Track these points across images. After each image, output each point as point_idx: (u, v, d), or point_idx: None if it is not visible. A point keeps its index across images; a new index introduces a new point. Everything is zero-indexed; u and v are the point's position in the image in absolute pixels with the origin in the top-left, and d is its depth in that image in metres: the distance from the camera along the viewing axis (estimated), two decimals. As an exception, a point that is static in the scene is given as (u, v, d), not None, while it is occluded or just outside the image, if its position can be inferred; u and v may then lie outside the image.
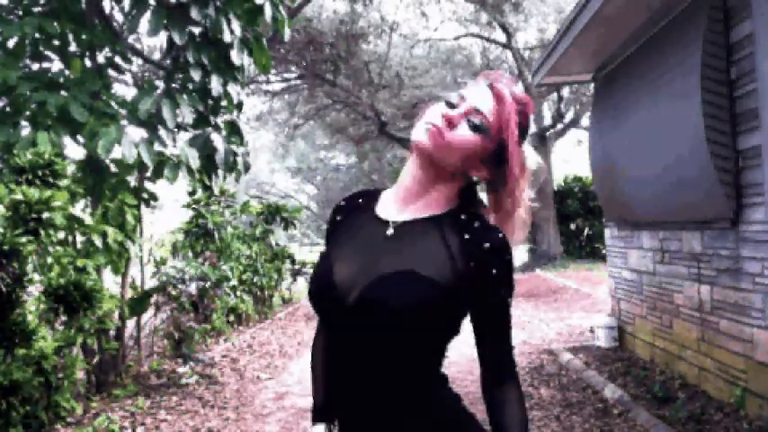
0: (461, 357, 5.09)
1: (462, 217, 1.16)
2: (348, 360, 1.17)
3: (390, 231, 1.17)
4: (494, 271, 1.10)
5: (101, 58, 5.25)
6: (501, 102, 1.16)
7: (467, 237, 1.12)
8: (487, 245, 1.11)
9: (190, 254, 7.96)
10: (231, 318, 8.42)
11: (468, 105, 1.16)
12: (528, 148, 1.26)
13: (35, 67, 5.09)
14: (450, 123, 1.14)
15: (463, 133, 1.14)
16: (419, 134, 1.15)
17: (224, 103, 5.50)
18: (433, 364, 1.18)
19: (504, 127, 1.16)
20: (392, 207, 1.21)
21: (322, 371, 1.41)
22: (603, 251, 11.71)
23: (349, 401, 1.19)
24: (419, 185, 1.19)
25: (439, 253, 1.12)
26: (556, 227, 16.58)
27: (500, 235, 1.13)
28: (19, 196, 3.80)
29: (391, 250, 1.14)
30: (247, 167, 5.63)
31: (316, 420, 1.40)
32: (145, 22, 4.86)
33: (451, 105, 1.17)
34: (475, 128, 1.15)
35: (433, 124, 1.14)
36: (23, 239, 3.67)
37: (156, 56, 11.05)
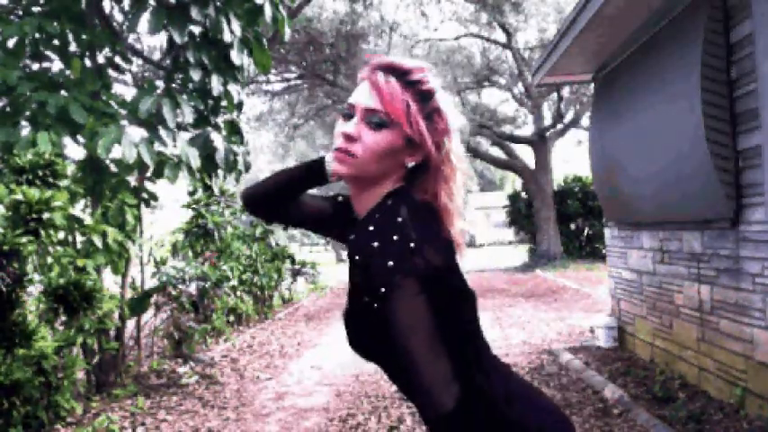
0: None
1: (388, 203, 1.12)
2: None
3: (352, 236, 1.14)
4: (356, 258, 1.04)
5: (101, 58, 5.25)
6: (378, 89, 1.12)
7: (395, 237, 1.04)
8: (354, 237, 1.06)
9: (190, 254, 7.96)
10: (231, 318, 8.43)
11: (360, 108, 1.13)
12: (446, 107, 1.18)
13: (35, 67, 5.10)
14: (351, 138, 1.12)
15: (369, 140, 1.11)
16: (333, 165, 1.14)
17: (224, 103, 5.50)
18: (466, 345, 1.13)
19: (393, 111, 1.11)
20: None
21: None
22: (603, 251, 11.72)
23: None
24: (358, 200, 1.19)
25: (368, 242, 1.07)
26: (556, 227, 16.58)
27: (376, 215, 1.07)
28: (19, 196, 3.81)
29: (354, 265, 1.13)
30: (247, 167, 5.63)
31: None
32: (145, 22, 4.87)
33: (348, 116, 1.15)
34: (376, 126, 1.12)
35: (338, 149, 1.13)
36: (24, 239, 3.67)
37: (156, 56, 11.05)
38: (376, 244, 1.02)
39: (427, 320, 0.99)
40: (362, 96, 1.14)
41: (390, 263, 1.00)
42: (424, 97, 1.14)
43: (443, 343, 0.99)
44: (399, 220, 1.05)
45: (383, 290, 0.99)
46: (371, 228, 1.06)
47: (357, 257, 1.05)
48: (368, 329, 1.12)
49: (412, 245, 1.02)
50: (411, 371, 0.97)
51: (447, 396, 0.96)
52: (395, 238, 1.02)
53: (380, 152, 1.12)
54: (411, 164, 1.16)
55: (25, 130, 4.61)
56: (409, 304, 0.99)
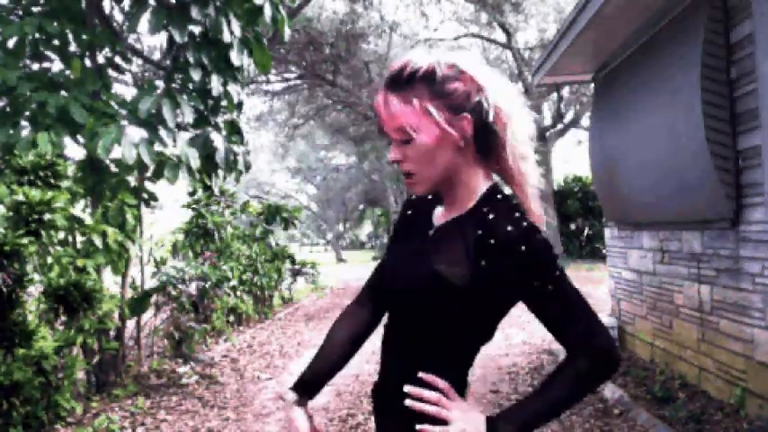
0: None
1: (483, 210, 1.13)
2: (389, 340, 1.25)
3: (431, 232, 1.21)
4: (509, 263, 1.07)
5: (101, 58, 5.25)
6: (380, 111, 1.14)
7: (479, 233, 1.10)
8: (492, 241, 1.08)
9: (190, 254, 7.96)
10: (231, 318, 8.43)
11: (389, 132, 1.15)
12: (485, 79, 1.14)
13: (35, 67, 5.10)
14: (399, 162, 1.15)
15: (411, 153, 1.13)
16: (412, 191, 1.19)
17: (224, 103, 5.50)
18: (456, 363, 1.18)
19: (405, 121, 1.11)
20: (441, 210, 1.24)
21: (335, 348, 1.36)
22: (603, 251, 11.71)
23: (382, 376, 1.27)
24: (446, 192, 1.20)
25: (458, 253, 1.12)
26: (556, 227, 16.59)
27: (509, 228, 1.08)
28: (20, 197, 3.81)
29: (426, 251, 1.17)
30: (247, 167, 5.63)
31: (297, 390, 1.33)
32: (145, 22, 4.87)
33: (389, 142, 1.20)
34: (406, 141, 1.12)
35: (404, 175, 1.16)
36: (24, 240, 3.67)
37: (156, 56, 11.05)
38: (510, 265, 1.09)
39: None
40: (384, 121, 1.16)
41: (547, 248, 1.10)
42: (428, 80, 1.11)
43: None
44: (522, 249, 1.08)
45: (553, 269, 1.10)
46: (510, 216, 1.11)
47: (484, 262, 1.09)
48: (443, 297, 1.13)
49: (557, 273, 1.11)
50: (589, 325, 1.11)
51: (615, 345, 1.14)
52: (538, 236, 1.10)
53: (427, 155, 1.13)
54: (462, 141, 1.13)
55: (25, 130, 4.61)
56: (571, 285, 1.13)
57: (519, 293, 1.11)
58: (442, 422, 1.10)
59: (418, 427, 1.09)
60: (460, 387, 1.18)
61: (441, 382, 1.13)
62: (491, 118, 1.12)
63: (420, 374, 1.14)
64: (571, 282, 1.12)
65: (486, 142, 1.15)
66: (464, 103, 1.11)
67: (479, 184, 1.17)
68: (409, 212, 1.33)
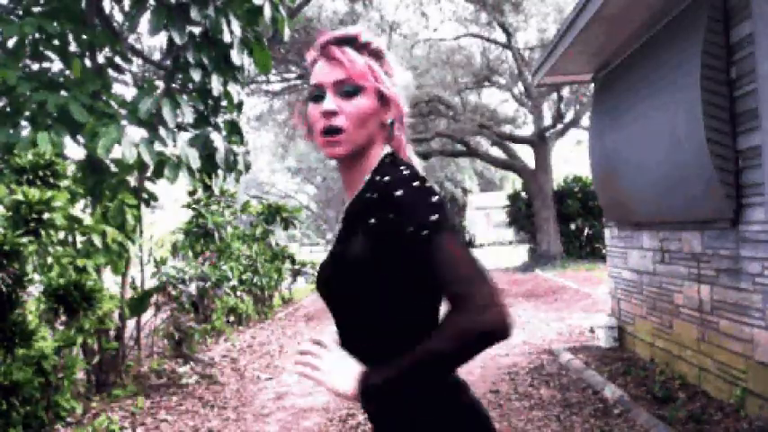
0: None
1: (376, 178, 1.14)
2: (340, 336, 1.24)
3: (342, 221, 1.23)
4: (390, 216, 1.06)
5: (101, 58, 5.25)
6: (337, 58, 1.16)
7: (368, 195, 1.12)
8: (374, 195, 1.09)
9: (190, 254, 7.96)
10: (231, 318, 8.43)
11: (328, 84, 1.16)
12: (393, 65, 1.23)
13: (35, 67, 5.10)
14: (332, 113, 1.15)
15: (350, 109, 1.15)
16: (327, 149, 1.17)
17: (224, 103, 5.50)
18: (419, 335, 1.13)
19: (362, 72, 1.15)
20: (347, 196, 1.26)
21: None
22: (603, 251, 11.72)
23: None
24: (346, 171, 1.22)
25: (356, 227, 1.14)
26: (556, 227, 16.58)
27: (387, 177, 1.09)
28: (20, 197, 3.81)
29: (337, 239, 1.22)
30: (247, 167, 5.63)
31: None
32: (145, 22, 4.87)
33: (317, 98, 1.18)
34: (351, 94, 1.15)
35: (323, 132, 1.15)
36: (24, 240, 3.67)
37: (156, 56, 11.06)
38: (416, 184, 1.08)
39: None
40: (325, 73, 1.17)
41: (434, 198, 1.06)
42: (378, 56, 1.20)
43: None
44: (408, 173, 1.10)
45: (433, 217, 1.03)
46: (403, 173, 1.11)
47: (397, 193, 1.07)
48: (358, 273, 1.13)
49: (434, 217, 1.05)
50: (471, 289, 1.00)
51: (506, 311, 1.00)
52: (423, 185, 1.08)
53: (363, 116, 1.15)
54: (389, 120, 1.20)
55: (25, 130, 4.61)
56: (456, 234, 1.06)
57: (404, 247, 1.05)
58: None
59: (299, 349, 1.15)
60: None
61: (314, 340, 1.16)
62: (399, 108, 1.21)
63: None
64: (458, 237, 1.05)
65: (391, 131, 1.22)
66: (395, 89, 1.21)
67: (377, 157, 1.20)
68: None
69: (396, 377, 1.03)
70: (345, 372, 1.08)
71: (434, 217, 1.03)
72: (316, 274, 1.20)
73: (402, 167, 1.12)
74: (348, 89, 1.15)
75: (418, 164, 1.25)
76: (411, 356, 1.02)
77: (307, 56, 1.23)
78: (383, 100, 1.18)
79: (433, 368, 1.03)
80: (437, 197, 1.07)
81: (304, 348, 1.14)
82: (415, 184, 1.07)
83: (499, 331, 0.98)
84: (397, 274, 1.10)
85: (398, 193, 1.06)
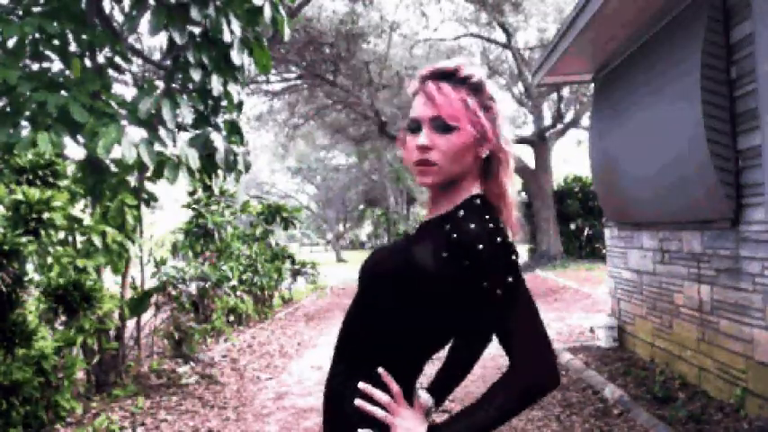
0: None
1: (459, 211, 1.17)
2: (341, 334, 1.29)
3: (416, 229, 1.27)
4: (465, 262, 1.09)
5: (101, 58, 5.25)
6: (436, 95, 1.18)
7: (447, 227, 1.14)
8: (455, 235, 1.12)
9: (190, 254, 7.96)
10: (231, 318, 8.43)
11: (425, 118, 1.18)
12: (492, 91, 1.25)
13: (35, 67, 5.09)
14: (426, 148, 1.17)
15: (444, 144, 1.17)
16: (420, 179, 1.21)
17: (224, 103, 5.50)
18: (400, 365, 1.19)
19: (455, 110, 1.17)
20: (425, 212, 1.31)
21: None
22: (603, 251, 11.72)
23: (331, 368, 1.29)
24: (436, 191, 1.25)
25: (428, 244, 1.17)
26: (556, 227, 16.58)
27: (473, 225, 1.11)
28: (19, 196, 3.81)
29: (407, 240, 1.26)
30: (247, 167, 5.63)
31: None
32: (145, 22, 4.87)
33: (414, 130, 1.20)
34: (446, 129, 1.17)
35: (419, 162, 1.19)
36: (24, 240, 3.67)
37: (156, 56, 11.05)
38: (466, 262, 1.11)
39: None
40: (421, 108, 1.20)
41: (513, 257, 1.12)
42: (477, 89, 1.20)
43: None
44: (480, 247, 1.11)
45: (510, 279, 1.09)
46: (485, 225, 1.13)
47: (480, 246, 1.10)
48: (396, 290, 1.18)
49: (510, 279, 1.10)
50: (536, 349, 1.10)
51: (557, 375, 1.12)
52: (507, 246, 1.12)
53: (456, 152, 1.18)
54: (485, 154, 1.21)
55: (25, 130, 4.61)
56: (527, 294, 1.13)
57: (471, 295, 1.10)
58: (382, 424, 1.14)
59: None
60: (406, 392, 1.20)
61: (395, 386, 1.16)
62: (502, 147, 1.23)
63: (380, 370, 1.17)
64: (530, 298, 1.12)
65: (490, 164, 1.24)
66: (495, 125, 1.22)
67: (470, 192, 1.22)
68: None
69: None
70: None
71: (510, 279, 1.09)
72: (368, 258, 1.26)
73: (488, 218, 1.14)
74: (441, 125, 1.17)
75: (515, 204, 1.25)
76: (479, 414, 1.10)
77: (408, 86, 1.26)
78: (480, 136, 1.19)
79: (497, 425, 1.11)
80: (515, 257, 1.12)
81: (373, 394, 1.16)
82: (498, 239, 1.11)
83: (551, 390, 1.12)
84: (428, 306, 1.15)
85: (481, 246, 1.09)
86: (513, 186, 1.25)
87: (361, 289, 1.25)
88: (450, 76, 1.19)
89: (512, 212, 1.24)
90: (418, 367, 1.22)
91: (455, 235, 1.11)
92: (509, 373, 1.10)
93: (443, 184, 1.21)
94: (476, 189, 1.23)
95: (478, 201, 1.20)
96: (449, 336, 1.21)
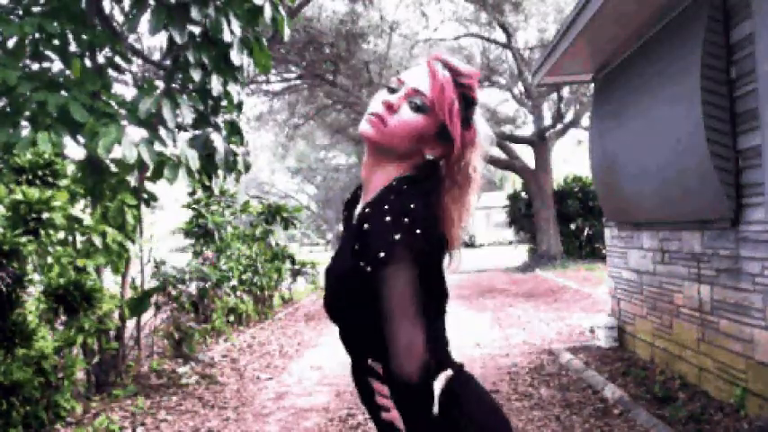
0: (463, 357, 5.08)
1: (387, 187, 1.16)
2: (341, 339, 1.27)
3: (354, 220, 1.24)
4: (365, 226, 1.09)
5: (101, 58, 5.25)
6: (434, 77, 1.17)
7: (367, 210, 1.14)
8: (368, 209, 1.12)
9: (190, 254, 7.96)
10: (231, 318, 8.42)
11: (408, 87, 1.18)
12: (479, 121, 1.25)
13: (35, 67, 5.09)
14: (391, 108, 1.17)
15: (405, 116, 1.16)
16: (363, 125, 1.19)
17: (224, 103, 5.50)
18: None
19: (439, 101, 1.16)
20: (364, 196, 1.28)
21: None
22: (603, 251, 11.72)
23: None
24: (369, 171, 1.23)
25: (348, 243, 1.17)
26: (556, 227, 16.57)
27: (391, 196, 1.10)
28: (19, 196, 3.81)
29: (346, 237, 1.23)
30: (247, 167, 5.63)
31: None
32: (145, 22, 4.86)
33: (392, 90, 1.19)
34: (416, 108, 1.17)
35: (374, 113, 1.17)
36: (23, 239, 3.67)
37: (156, 56, 11.05)
38: (388, 218, 1.07)
39: (414, 291, 1.03)
40: (415, 77, 1.19)
41: (397, 236, 1.05)
42: (468, 103, 1.20)
43: (421, 317, 1.05)
44: (412, 206, 1.08)
45: (382, 254, 1.04)
46: (386, 206, 1.10)
47: (366, 225, 1.10)
48: (346, 291, 1.17)
49: (418, 231, 1.06)
50: (391, 331, 1.02)
51: (417, 364, 1.01)
52: (405, 220, 1.07)
53: (410, 131, 1.17)
54: (429, 156, 1.20)
55: (25, 130, 4.61)
56: (404, 272, 1.03)
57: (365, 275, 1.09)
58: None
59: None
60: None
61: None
62: (460, 169, 1.21)
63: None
64: (407, 277, 1.04)
65: (447, 172, 1.23)
66: (463, 143, 1.20)
67: (402, 171, 1.21)
68: (345, 213, 1.36)
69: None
70: None
71: (382, 254, 1.04)
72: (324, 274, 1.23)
73: (395, 198, 1.11)
74: (418, 102, 1.17)
75: (460, 223, 1.22)
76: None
77: (390, 76, 1.28)
78: (442, 136, 1.19)
79: (413, 418, 1.10)
80: (402, 234, 1.05)
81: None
82: (387, 219, 1.07)
83: (410, 380, 1.04)
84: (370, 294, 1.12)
85: (366, 226, 1.09)
86: (458, 208, 1.21)
87: (333, 297, 1.24)
88: (457, 74, 1.20)
89: (450, 226, 1.20)
90: (443, 326, 1.23)
91: (367, 209, 1.12)
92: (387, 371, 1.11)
93: (378, 148, 1.19)
94: (401, 170, 1.21)
95: (405, 183, 1.17)
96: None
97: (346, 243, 1.19)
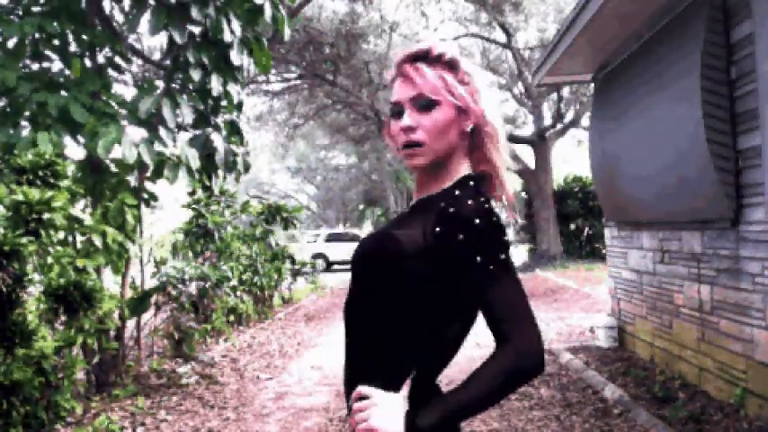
0: (463, 357, 5.08)
1: (454, 190, 1.18)
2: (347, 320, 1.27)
3: (407, 211, 1.27)
4: (460, 236, 1.10)
5: (101, 58, 5.25)
6: (409, 77, 1.20)
7: (442, 205, 1.14)
8: (452, 209, 1.12)
9: (190, 254, 7.96)
10: (231, 318, 8.42)
11: (405, 101, 1.20)
12: (474, 72, 1.24)
13: (35, 67, 5.09)
14: (410, 129, 1.19)
15: (426, 122, 1.19)
16: (409, 162, 1.22)
17: (224, 103, 5.50)
18: (404, 355, 1.17)
19: (432, 86, 1.19)
20: (415, 192, 1.31)
21: None
22: (603, 251, 11.73)
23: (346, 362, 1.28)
24: (424, 175, 1.26)
25: (418, 223, 1.17)
26: (556, 227, 16.57)
27: (470, 201, 1.12)
28: (20, 197, 3.81)
29: (397, 223, 1.25)
30: (247, 167, 5.63)
31: None
32: (145, 22, 4.86)
33: (397, 114, 1.22)
34: (426, 107, 1.19)
35: (407, 143, 1.20)
36: (24, 240, 3.67)
37: (156, 56, 11.06)
38: (461, 236, 1.11)
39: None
40: (402, 91, 1.22)
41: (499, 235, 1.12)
42: (453, 66, 1.22)
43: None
44: (477, 222, 1.11)
45: (503, 256, 1.11)
46: (446, 216, 1.13)
47: (438, 229, 1.13)
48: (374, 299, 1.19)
49: (502, 256, 1.12)
50: (518, 329, 1.09)
51: (542, 353, 1.11)
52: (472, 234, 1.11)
53: (441, 128, 1.19)
54: (469, 127, 1.21)
55: (25, 130, 4.61)
56: (516, 284, 1.13)
57: (464, 270, 1.10)
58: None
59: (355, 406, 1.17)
60: (427, 384, 1.18)
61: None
62: (487, 121, 1.23)
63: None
64: (518, 278, 1.13)
65: (477, 139, 1.24)
66: (474, 98, 1.22)
67: (461, 171, 1.23)
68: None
69: (441, 417, 1.08)
70: (393, 414, 1.11)
71: (503, 256, 1.10)
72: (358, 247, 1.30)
73: (483, 199, 1.15)
74: (423, 103, 1.19)
75: (512, 183, 1.27)
76: (463, 394, 1.08)
77: (387, 75, 1.29)
78: (461, 108, 1.20)
79: (484, 407, 1.11)
80: (507, 237, 1.13)
81: (355, 407, 1.16)
82: (494, 218, 1.12)
83: (537, 372, 1.10)
84: (429, 283, 1.14)
85: (477, 221, 1.10)
86: (503, 160, 1.24)
87: (356, 279, 1.24)
88: (424, 56, 1.21)
89: (504, 185, 1.24)
90: (428, 360, 1.19)
91: (452, 209, 1.12)
92: (498, 353, 1.09)
93: (432, 165, 1.22)
94: (465, 169, 1.23)
95: (472, 181, 1.21)
96: (450, 316, 1.19)
97: (410, 224, 1.19)
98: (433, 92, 1.18)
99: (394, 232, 1.19)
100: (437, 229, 1.12)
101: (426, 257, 1.13)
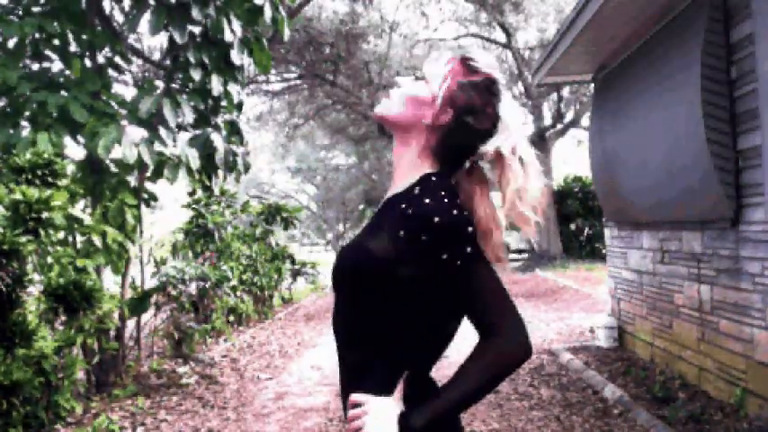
0: (461, 356, 5.07)
1: (415, 188, 1.17)
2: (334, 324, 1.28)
3: (377, 210, 1.26)
4: (423, 237, 1.09)
5: (101, 58, 5.25)
6: (440, 59, 1.24)
7: (402, 206, 1.14)
8: (410, 210, 1.11)
9: (190, 254, 7.96)
10: (231, 318, 8.42)
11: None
12: (508, 105, 1.22)
13: (35, 67, 5.09)
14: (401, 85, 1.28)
15: (404, 84, 1.25)
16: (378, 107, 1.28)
17: (224, 103, 5.50)
18: (402, 356, 1.16)
19: (433, 71, 1.23)
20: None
21: None
22: (603, 251, 11.73)
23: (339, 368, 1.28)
24: (396, 162, 1.27)
25: (385, 228, 1.16)
26: (556, 227, 16.58)
27: (427, 200, 1.11)
28: (19, 196, 3.81)
29: (367, 228, 1.24)
30: (247, 167, 5.63)
31: None
32: (145, 22, 4.86)
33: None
34: (417, 78, 1.26)
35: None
36: (23, 239, 3.67)
37: (156, 56, 11.06)
38: (455, 212, 1.11)
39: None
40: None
41: (470, 228, 1.11)
42: (471, 70, 1.22)
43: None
44: (436, 220, 1.10)
45: (469, 249, 1.09)
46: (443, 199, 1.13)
47: (402, 232, 1.12)
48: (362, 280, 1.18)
49: (468, 249, 1.10)
50: (499, 320, 1.09)
51: (527, 339, 1.11)
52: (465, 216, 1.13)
53: (405, 95, 1.23)
54: (425, 121, 1.21)
55: (25, 130, 4.61)
56: (488, 274, 1.12)
57: (434, 270, 1.10)
58: None
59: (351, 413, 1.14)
60: (420, 386, 1.17)
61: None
62: (507, 157, 1.20)
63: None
64: (490, 267, 1.12)
65: (458, 152, 1.23)
66: (457, 103, 1.20)
67: (424, 169, 1.22)
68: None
69: (434, 415, 1.08)
70: (387, 419, 1.10)
71: (469, 249, 1.09)
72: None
73: (443, 193, 1.13)
74: (418, 74, 1.27)
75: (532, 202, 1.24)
76: (452, 391, 1.09)
77: (387, 75, 1.39)
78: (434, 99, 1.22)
79: (474, 401, 1.11)
80: (471, 228, 1.11)
81: (350, 415, 1.14)
82: (455, 212, 1.10)
83: (526, 358, 1.10)
84: (403, 286, 1.13)
85: (437, 219, 1.09)
86: (491, 207, 1.21)
87: (339, 292, 1.23)
88: (463, 58, 1.25)
89: (521, 216, 1.18)
90: (425, 357, 1.19)
91: (410, 210, 1.11)
92: (483, 344, 1.09)
93: (393, 130, 1.25)
94: (427, 167, 1.22)
95: (435, 178, 1.19)
96: (436, 320, 1.18)
97: (376, 229, 1.19)
98: (429, 73, 1.24)
99: (366, 245, 1.17)
100: (400, 232, 1.11)
101: (406, 261, 1.11)
